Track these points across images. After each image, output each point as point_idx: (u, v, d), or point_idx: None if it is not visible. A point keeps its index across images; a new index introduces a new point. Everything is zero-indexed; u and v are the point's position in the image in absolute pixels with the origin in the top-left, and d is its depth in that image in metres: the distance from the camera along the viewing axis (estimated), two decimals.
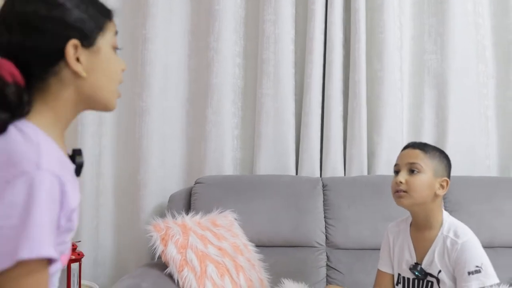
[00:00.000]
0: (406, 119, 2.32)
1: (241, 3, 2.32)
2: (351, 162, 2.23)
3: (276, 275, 1.89)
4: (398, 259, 1.53)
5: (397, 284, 1.53)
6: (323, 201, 2.09)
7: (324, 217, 2.07)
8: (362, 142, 2.21)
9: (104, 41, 0.86)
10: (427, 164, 1.43)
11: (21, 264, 0.73)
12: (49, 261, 0.76)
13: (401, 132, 2.26)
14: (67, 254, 0.90)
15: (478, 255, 1.40)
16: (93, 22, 0.85)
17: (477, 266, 1.37)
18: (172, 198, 2.15)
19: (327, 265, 2.01)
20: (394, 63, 2.23)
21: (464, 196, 2.05)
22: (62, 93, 0.84)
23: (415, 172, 1.42)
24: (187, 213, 1.95)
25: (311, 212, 2.06)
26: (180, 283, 1.66)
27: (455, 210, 1.95)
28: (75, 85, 0.84)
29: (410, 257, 1.49)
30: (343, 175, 2.25)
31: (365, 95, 2.22)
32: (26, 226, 0.72)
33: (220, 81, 2.25)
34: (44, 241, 0.73)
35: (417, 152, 1.44)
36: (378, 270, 1.59)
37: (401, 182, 1.42)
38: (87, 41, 0.84)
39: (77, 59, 0.83)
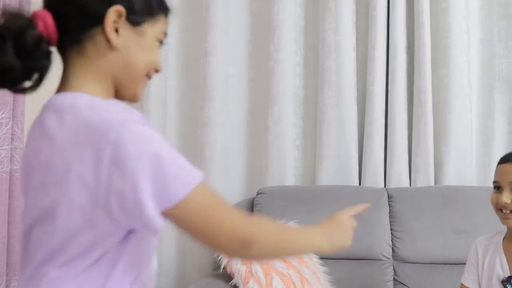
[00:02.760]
0: (476, 128, 2.22)
1: (301, 12, 2.30)
2: (417, 173, 2.15)
3: None
4: (488, 273, 1.45)
5: None
6: (389, 213, 2.02)
7: (390, 229, 2.00)
8: (428, 152, 2.13)
9: (151, 29, 0.82)
10: None
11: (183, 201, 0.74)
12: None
13: (470, 142, 2.16)
14: None
15: None
16: (146, 5, 0.81)
17: None
18: None
19: (394, 279, 1.94)
20: (461, 69, 2.15)
21: None
22: (99, 62, 0.79)
23: None
24: None
25: (376, 224, 2.00)
26: None
27: None
28: (109, 57, 0.79)
29: (501, 271, 1.42)
30: (408, 185, 2.17)
31: (431, 102, 2.14)
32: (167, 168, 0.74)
33: (281, 91, 2.24)
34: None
35: None
36: (462, 285, 1.52)
37: (506, 204, 1.36)
38: (134, 16, 0.79)
39: (116, 30, 0.78)
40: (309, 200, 2.08)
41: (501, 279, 1.41)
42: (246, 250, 0.78)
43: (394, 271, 1.95)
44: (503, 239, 1.46)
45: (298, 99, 2.29)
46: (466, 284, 1.52)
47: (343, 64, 2.20)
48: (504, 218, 1.39)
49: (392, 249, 1.99)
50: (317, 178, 2.22)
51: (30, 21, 0.74)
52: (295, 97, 2.28)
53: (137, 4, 0.79)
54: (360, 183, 2.21)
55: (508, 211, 1.37)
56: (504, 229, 1.46)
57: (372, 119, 2.18)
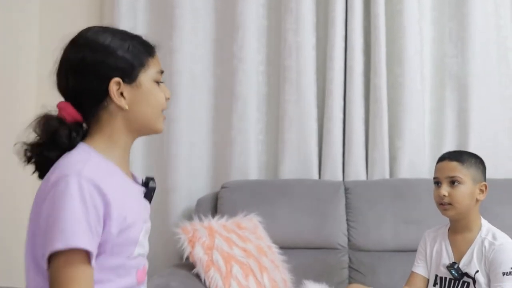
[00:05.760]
0: (428, 123, 2.35)
1: (264, 13, 2.39)
2: (373, 166, 2.27)
3: (299, 276, 1.94)
4: (436, 261, 1.60)
5: (434, 285, 1.59)
6: (345, 204, 2.14)
7: (346, 219, 2.12)
8: (383, 146, 2.25)
9: (146, 76, 0.97)
10: (465, 175, 1.51)
11: (58, 256, 0.83)
12: (88, 255, 0.85)
13: (423, 136, 2.29)
14: (142, 270, 0.99)
15: None
16: (134, 61, 0.97)
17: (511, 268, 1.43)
18: (199, 202, 2.24)
19: (349, 266, 2.06)
20: (414, 68, 2.27)
21: (486, 198, 2.05)
22: (112, 122, 0.96)
23: (455, 184, 1.50)
24: (213, 216, 2.04)
25: (333, 215, 2.11)
26: (207, 283, 1.74)
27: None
28: (121, 116, 0.96)
29: (447, 259, 1.57)
30: (365, 178, 2.29)
31: (386, 99, 2.26)
32: (59, 220, 0.83)
33: (245, 89, 2.33)
34: (76, 234, 0.83)
35: (455, 164, 1.52)
36: (412, 272, 1.65)
37: (444, 196, 1.50)
38: (129, 78, 0.96)
39: (121, 94, 0.95)
40: (270, 193, 2.18)
41: (446, 265, 1.55)
42: None
43: (349, 259, 2.07)
44: (448, 230, 1.61)
45: (261, 96, 2.38)
46: (416, 271, 1.65)
47: (303, 62, 2.29)
48: (443, 210, 1.53)
49: (348, 238, 2.11)
50: (279, 172, 2.32)
51: (58, 122, 0.93)
52: (258, 94, 2.37)
53: (126, 67, 0.96)
54: (320, 177, 2.32)
55: (446, 203, 1.50)
56: (448, 221, 1.60)
57: (331, 115, 2.28)
